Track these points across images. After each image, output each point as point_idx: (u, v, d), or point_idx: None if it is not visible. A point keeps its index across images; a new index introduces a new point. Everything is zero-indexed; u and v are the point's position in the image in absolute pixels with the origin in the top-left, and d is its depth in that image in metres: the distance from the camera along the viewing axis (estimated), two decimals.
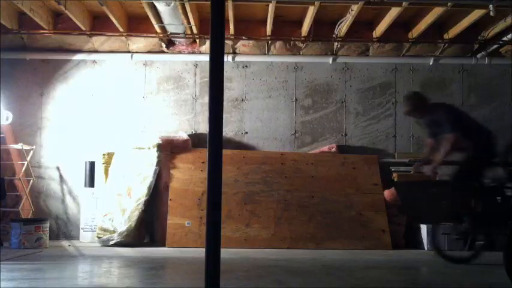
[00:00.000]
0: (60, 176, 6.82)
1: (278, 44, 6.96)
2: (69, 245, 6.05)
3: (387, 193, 6.38)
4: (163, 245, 6.02)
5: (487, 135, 4.95)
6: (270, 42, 6.91)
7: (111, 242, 5.97)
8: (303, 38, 6.81)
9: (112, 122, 6.87)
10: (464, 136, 4.86)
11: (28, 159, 6.53)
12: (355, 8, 5.94)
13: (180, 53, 7.01)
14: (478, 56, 7.01)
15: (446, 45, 6.92)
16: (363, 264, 4.87)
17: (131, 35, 6.77)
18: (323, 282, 3.92)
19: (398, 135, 7.01)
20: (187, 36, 6.72)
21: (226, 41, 6.73)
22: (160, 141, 6.46)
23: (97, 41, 6.86)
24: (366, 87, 7.06)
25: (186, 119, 6.95)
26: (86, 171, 6.49)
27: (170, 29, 6.56)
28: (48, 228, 5.97)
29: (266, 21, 6.46)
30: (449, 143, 4.79)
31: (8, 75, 6.73)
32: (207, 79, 2.49)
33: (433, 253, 5.28)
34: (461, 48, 7.03)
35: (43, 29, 6.47)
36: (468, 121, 5.08)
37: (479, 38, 6.81)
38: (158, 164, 6.36)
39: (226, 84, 6.28)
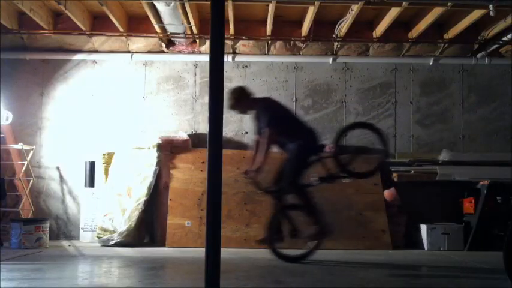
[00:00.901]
0: (60, 176, 6.82)
1: (278, 44, 6.95)
2: (69, 245, 6.05)
3: (387, 193, 6.38)
4: (163, 245, 6.02)
5: (309, 131, 4.82)
6: (270, 42, 6.91)
7: (111, 242, 5.97)
8: (303, 38, 6.80)
9: (112, 122, 6.87)
10: (283, 131, 4.70)
11: (28, 159, 6.53)
12: (355, 8, 5.94)
13: (180, 53, 7.01)
14: (478, 56, 7.00)
15: (446, 45, 6.91)
16: (363, 264, 4.87)
17: (131, 35, 6.77)
18: (323, 282, 3.92)
19: (398, 135, 7.00)
20: (187, 36, 6.72)
21: (226, 41, 6.72)
22: (160, 141, 6.46)
23: (97, 41, 6.86)
24: (366, 87, 7.06)
25: (186, 119, 6.95)
26: (86, 171, 6.49)
27: (170, 29, 6.56)
28: (48, 228, 5.97)
29: (266, 21, 6.45)
30: (265, 137, 4.61)
31: (8, 75, 6.72)
32: (207, 79, 2.48)
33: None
34: (461, 48, 7.02)
35: (43, 29, 6.47)
36: (287, 116, 4.92)
37: (479, 38, 6.81)
38: (158, 164, 6.36)
39: (226, 84, 6.25)
